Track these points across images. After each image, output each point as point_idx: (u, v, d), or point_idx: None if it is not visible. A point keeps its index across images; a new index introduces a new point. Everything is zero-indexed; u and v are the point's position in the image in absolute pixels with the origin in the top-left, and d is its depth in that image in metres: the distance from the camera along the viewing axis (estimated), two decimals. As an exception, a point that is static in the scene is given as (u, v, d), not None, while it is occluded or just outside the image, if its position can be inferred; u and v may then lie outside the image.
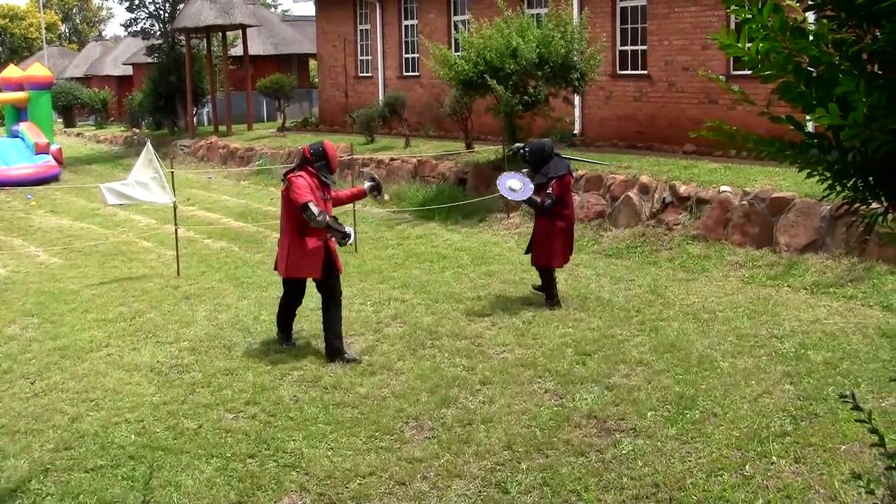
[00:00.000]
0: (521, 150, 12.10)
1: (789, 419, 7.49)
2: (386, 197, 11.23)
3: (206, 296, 12.87)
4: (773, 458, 6.79)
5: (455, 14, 26.33)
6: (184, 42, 34.73)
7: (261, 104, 40.26)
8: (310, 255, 9.75)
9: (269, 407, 8.46)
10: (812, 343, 9.40)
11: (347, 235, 9.90)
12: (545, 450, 7.22)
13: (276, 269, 10.33)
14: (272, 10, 67.02)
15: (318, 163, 9.77)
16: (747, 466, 6.69)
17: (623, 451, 7.10)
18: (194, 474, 7.12)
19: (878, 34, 3.10)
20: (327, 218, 9.63)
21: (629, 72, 20.74)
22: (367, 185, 10.59)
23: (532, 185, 11.22)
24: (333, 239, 9.89)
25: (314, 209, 9.47)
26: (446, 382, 8.82)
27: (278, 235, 10.37)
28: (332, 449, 7.46)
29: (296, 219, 9.66)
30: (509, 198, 11.70)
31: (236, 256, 15.83)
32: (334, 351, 9.75)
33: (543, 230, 11.40)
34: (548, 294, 11.46)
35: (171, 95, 36.54)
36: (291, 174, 9.70)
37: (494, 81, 17.22)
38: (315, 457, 7.32)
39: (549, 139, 12.82)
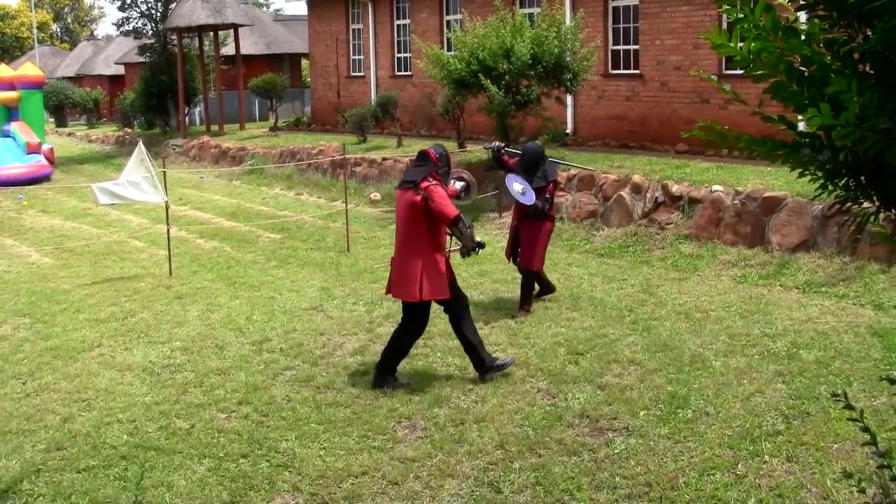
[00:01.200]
0: (501, 150, 11.60)
1: (781, 418, 7.50)
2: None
3: (198, 295, 12.86)
4: (766, 457, 6.80)
5: (447, 13, 26.32)
6: (176, 41, 34.70)
7: (253, 104, 40.27)
8: (445, 272, 8.80)
9: (261, 407, 8.45)
10: (804, 342, 9.41)
11: (482, 245, 9.17)
12: (538, 449, 7.22)
13: (395, 294, 8.99)
14: (264, 9, 67.06)
15: (442, 168, 8.83)
16: (739, 465, 6.70)
17: (615, 451, 7.10)
18: (186, 474, 7.11)
19: (870, 34, 3.11)
20: (473, 231, 8.92)
21: (621, 71, 20.76)
22: (458, 185, 9.69)
23: (531, 189, 10.97)
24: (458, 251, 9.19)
25: (466, 221, 8.74)
26: (439, 382, 8.83)
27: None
28: (324, 449, 7.46)
29: (433, 233, 8.69)
30: (518, 200, 11.05)
31: (228, 256, 15.82)
32: (482, 363, 8.87)
33: (534, 233, 11.19)
34: (527, 300, 11.21)
35: (163, 95, 36.53)
36: (425, 182, 8.58)
37: (488, 81, 17.22)
38: (307, 456, 7.31)
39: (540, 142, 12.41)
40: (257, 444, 7.62)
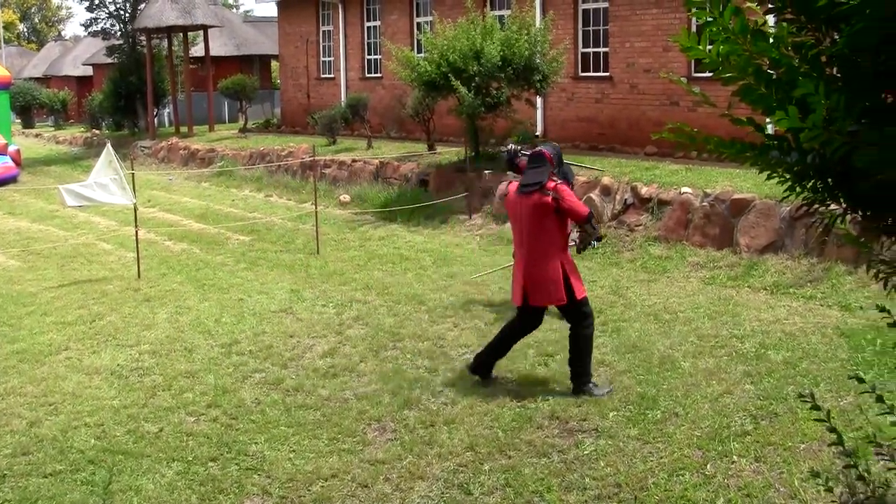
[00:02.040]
0: (518, 153, 11.11)
1: (750, 418, 7.54)
2: None
3: (166, 298, 12.78)
4: (734, 457, 6.84)
5: (418, 15, 26.32)
6: (144, 42, 34.52)
7: (222, 105, 40.10)
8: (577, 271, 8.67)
9: (230, 410, 8.41)
10: (772, 343, 9.47)
11: (601, 239, 9.05)
12: (507, 451, 7.22)
13: (539, 302, 8.55)
14: (234, 10, 66.82)
15: (556, 168, 8.65)
16: (708, 466, 6.73)
17: (585, 452, 7.12)
18: (155, 478, 7.07)
19: (837, 37, 3.13)
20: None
21: (591, 74, 20.81)
22: None
23: None
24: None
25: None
26: (408, 384, 8.82)
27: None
28: (294, 451, 7.44)
29: (562, 233, 8.52)
30: None
31: (197, 258, 15.74)
32: (582, 380, 8.50)
33: None
34: None
35: (132, 96, 36.31)
36: (551, 182, 8.37)
37: (458, 83, 17.23)
38: (277, 459, 7.29)
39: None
40: (226, 447, 7.58)
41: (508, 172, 11.93)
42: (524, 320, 8.77)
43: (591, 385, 8.40)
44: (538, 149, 8.79)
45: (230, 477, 7.04)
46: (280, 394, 8.78)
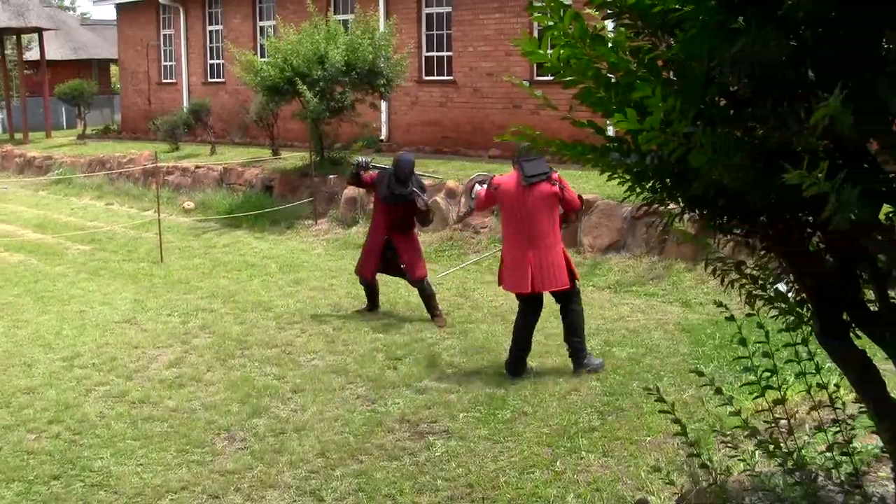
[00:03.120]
0: (370, 166, 11.09)
1: (597, 415, 7.71)
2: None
3: (2, 312, 12.31)
4: (583, 452, 6.97)
5: (261, 19, 26.05)
6: (-26, 45, 33.29)
7: (59, 111, 38.89)
8: None
9: (73, 425, 8.16)
10: (616, 340, 9.70)
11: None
12: (359, 455, 7.21)
13: (547, 288, 8.84)
14: (70, 12, 64.81)
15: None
16: (558, 462, 6.84)
17: (436, 454, 7.16)
18: (-7, 499, 6.82)
19: (673, 42, 3.21)
20: None
21: (435, 77, 20.97)
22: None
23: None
24: None
25: None
26: (257, 392, 8.71)
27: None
28: (141, 465, 7.26)
29: (557, 221, 8.83)
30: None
31: (35, 269, 15.21)
32: (581, 354, 8.86)
33: (413, 243, 11.18)
34: (437, 307, 10.98)
35: (-38, 102, 34.96)
36: (555, 173, 8.69)
37: (305, 87, 17.14)
38: (124, 474, 7.10)
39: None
40: (70, 464, 7.35)
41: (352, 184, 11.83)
42: (533, 307, 8.99)
43: (590, 357, 8.80)
44: (525, 145, 8.77)
45: (75, 494, 6.83)
46: (125, 406, 8.56)
